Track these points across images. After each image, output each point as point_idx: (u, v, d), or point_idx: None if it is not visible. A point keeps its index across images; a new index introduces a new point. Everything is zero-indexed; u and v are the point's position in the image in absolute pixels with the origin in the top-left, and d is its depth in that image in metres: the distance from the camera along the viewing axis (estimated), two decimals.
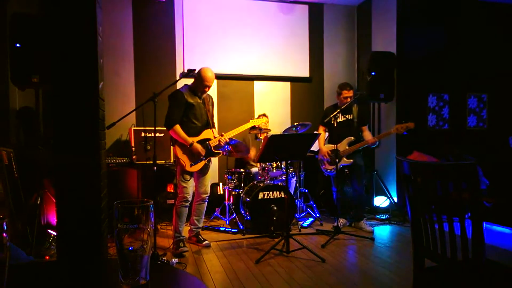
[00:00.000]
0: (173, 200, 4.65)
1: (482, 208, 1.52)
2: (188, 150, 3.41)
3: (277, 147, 3.27)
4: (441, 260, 1.62)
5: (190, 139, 3.40)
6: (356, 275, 2.94)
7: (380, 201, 4.96)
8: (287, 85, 5.53)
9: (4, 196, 3.20)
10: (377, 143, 4.19)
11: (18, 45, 3.23)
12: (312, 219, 4.64)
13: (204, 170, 3.57)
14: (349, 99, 4.24)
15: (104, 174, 2.61)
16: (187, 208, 3.49)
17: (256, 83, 5.41)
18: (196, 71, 3.48)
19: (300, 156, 3.54)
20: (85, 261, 2.39)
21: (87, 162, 2.39)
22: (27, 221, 3.41)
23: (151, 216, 0.78)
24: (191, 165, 3.45)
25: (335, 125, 4.28)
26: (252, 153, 4.84)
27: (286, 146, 3.30)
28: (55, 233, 3.47)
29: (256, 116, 5.24)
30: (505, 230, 4.17)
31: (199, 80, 3.44)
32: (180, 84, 3.72)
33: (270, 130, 4.87)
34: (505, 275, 1.69)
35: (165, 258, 3.19)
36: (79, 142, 2.46)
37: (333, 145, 4.14)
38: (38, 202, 3.42)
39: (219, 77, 5.19)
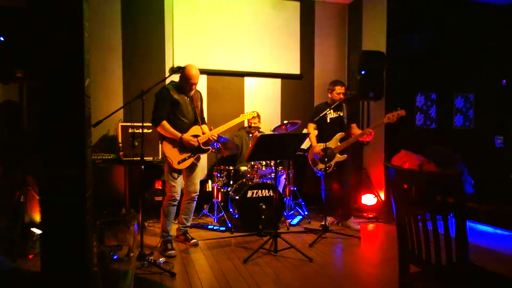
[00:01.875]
0: (161, 197, 4.62)
1: (466, 215, 1.54)
2: (177, 146, 3.38)
3: (267, 146, 3.25)
4: (425, 266, 1.64)
5: (178, 135, 3.37)
6: (342, 275, 2.96)
7: (368, 199, 5.00)
8: (277, 81, 5.51)
9: None
10: (372, 134, 4.16)
11: (1, 39, 3.14)
12: (301, 217, 4.66)
13: (193, 167, 3.54)
14: (342, 95, 4.25)
15: (89, 173, 2.56)
16: (175, 207, 3.46)
17: (247, 79, 5.37)
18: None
19: (289, 155, 3.54)
20: (70, 266, 2.36)
21: (72, 166, 2.35)
22: (11, 219, 3.35)
23: (135, 233, 0.76)
24: (178, 163, 3.41)
25: (328, 121, 4.28)
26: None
27: (276, 146, 3.29)
28: (39, 231, 3.41)
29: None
30: (488, 229, 4.25)
31: (184, 79, 3.40)
32: (168, 81, 3.67)
33: (260, 128, 4.87)
34: (489, 280, 1.71)
35: (152, 257, 3.16)
36: (65, 141, 2.41)
37: (323, 144, 4.14)
38: (22, 200, 3.35)
39: (209, 72, 5.15)
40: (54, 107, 2.40)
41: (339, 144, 4.21)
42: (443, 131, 5.58)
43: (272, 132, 4.84)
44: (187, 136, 3.38)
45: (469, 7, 5.50)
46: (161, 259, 3.14)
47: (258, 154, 3.30)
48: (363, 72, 4.77)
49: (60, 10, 2.41)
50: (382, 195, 5.01)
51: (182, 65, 4.98)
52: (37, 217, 3.49)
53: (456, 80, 5.56)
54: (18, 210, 3.36)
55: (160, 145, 3.92)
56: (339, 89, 4.24)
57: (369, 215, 4.81)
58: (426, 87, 5.42)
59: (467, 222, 1.56)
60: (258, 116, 4.87)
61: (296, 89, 5.56)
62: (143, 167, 3.13)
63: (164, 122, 3.35)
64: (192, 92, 3.51)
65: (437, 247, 1.59)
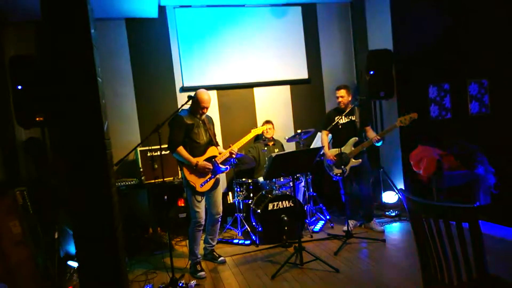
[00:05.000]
0: (185, 214, 4.76)
1: (480, 233, 1.58)
2: (196, 169, 3.47)
3: (282, 164, 3.32)
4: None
5: (194, 160, 3.46)
6: (370, 285, 2.99)
7: (389, 197, 5.02)
8: (286, 88, 5.55)
9: (23, 235, 3.31)
10: (382, 141, 4.17)
11: (19, 87, 3.29)
12: (323, 221, 4.71)
13: (214, 187, 3.64)
14: (340, 98, 4.29)
15: (116, 211, 2.68)
16: (201, 231, 3.57)
17: (256, 89, 5.43)
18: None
19: (305, 169, 3.60)
20: None
21: (100, 208, 2.47)
22: (47, 256, 3.53)
23: None
24: (201, 185, 3.51)
25: (340, 126, 4.30)
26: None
27: (291, 163, 3.35)
28: (75, 264, 3.58)
29: (260, 123, 5.27)
30: None
31: (196, 103, 3.49)
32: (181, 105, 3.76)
33: (272, 138, 4.94)
34: None
35: (183, 280, 3.29)
36: (90, 184, 2.54)
37: (337, 149, 4.17)
38: (56, 237, 3.52)
39: (218, 88, 5.23)
40: (76, 153, 2.53)
41: (353, 149, 4.23)
42: (459, 120, 5.52)
43: (286, 140, 4.90)
44: (202, 162, 3.47)
45: None
46: (193, 282, 3.26)
47: (274, 172, 3.37)
48: (371, 73, 4.77)
49: (73, 60, 2.52)
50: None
51: (191, 84, 5.14)
52: (72, 251, 3.67)
53: (468, 67, 5.47)
54: (53, 246, 3.53)
55: (180, 170, 4.02)
56: (338, 93, 4.31)
57: (392, 213, 4.83)
58: (437, 78, 5.36)
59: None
60: (272, 123, 4.95)
61: (305, 93, 5.59)
62: (166, 197, 3.24)
63: (180, 148, 3.45)
64: (203, 116, 3.60)
65: (458, 269, 1.64)
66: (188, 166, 3.48)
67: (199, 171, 3.47)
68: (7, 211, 3.33)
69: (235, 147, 3.64)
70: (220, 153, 3.63)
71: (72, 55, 2.51)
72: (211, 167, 3.51)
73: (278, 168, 3.34)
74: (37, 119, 3.38)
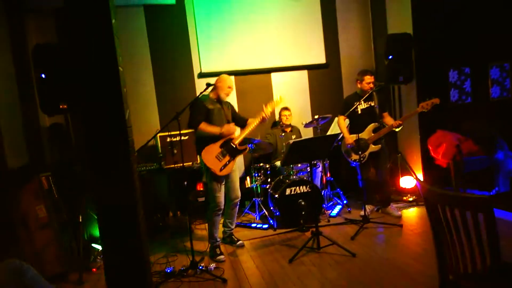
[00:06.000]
0: (203, 198, 4.85)
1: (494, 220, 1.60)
2: (215, 154, 3.51)
3: (300, 151, 3.34)
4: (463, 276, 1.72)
5: (218, 128, 3.50)
6: (386, 271, 3.02)
7: (406, 182, 4.99)
8: (304, 73, 5.51)
9: (48, 219, 3.45)
10: (401, 125, 4.15)
11: (43, 76, 3.37)
12: (340, 206, 4.74)
13: (232, 174, 3.69)
14: (372, 85, 4.21)
15: (139, 198, 2.76)
16: (220, 215, 3.65)
17: (273, 75, 5.41)
18: (214, 82, 3.57)
19: (323, 155, 3.62)
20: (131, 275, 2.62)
21: (122, 195, 2.55)
22: (72, 238, 3.68)
23: None
24: (220, 169, 3.54)
25: (359, 112, 4.26)
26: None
27: (309, 149, 3.37)
28: (98, 247, 3.73)
29: (278, 110, 5.26)
30: None
31: (221, 85, 3.58)
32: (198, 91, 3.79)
33: (290, 124, 4.95)
34: None
35: (203, 264, 3.39)
36: (113, 170, 2.62)
37: (354, 136, 4.15)
38: (80, 220, 3.65)
39: (236, 73, 5.22)
40: (99, 141, 2.60)
41: (372, 134, 4.21)
42: (480, 104, 5.40)
43: (303, 126, 4.90)
44: (225, 127, 3.52)
45: None
46: (212, 265, 3.36)
47: (292, 159, 3.40)
48: (390, 57, 4.68)
49: (94, 50, 2.56)
50: (420, 177, 4.98)
51: (209, 70, 5.17)
52: (95, 234, 3.81)
53: (489, 50, 5.31)
54: (78, 229, 3.68)
55: (198, 157, 4.07)
56: (368, 79, 4.19)
57: (409, 199, 4.82)
58: (458, 62, 5.23)
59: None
60: (289, 109, 4.95)
61: (323, 78, 5.54)
62: (186, 182, 3.31)
63: (203, 123, 3.48)
64: (226, 98, 3.64)
65: (473, 257, 1.67)
66: (206, 152, 3.52)
67: (227, 145, 3.54)
68: (33, 195, 3.47)
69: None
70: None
71: (94, 45, 2.55)
72: (235, 129, 3.58)
73: (296, 155, 3.36)
74: (61, 106, 3.47)
